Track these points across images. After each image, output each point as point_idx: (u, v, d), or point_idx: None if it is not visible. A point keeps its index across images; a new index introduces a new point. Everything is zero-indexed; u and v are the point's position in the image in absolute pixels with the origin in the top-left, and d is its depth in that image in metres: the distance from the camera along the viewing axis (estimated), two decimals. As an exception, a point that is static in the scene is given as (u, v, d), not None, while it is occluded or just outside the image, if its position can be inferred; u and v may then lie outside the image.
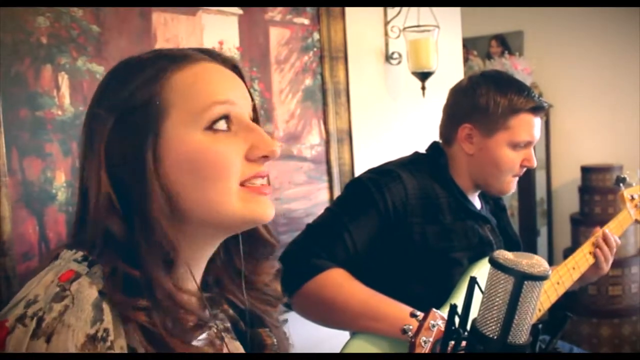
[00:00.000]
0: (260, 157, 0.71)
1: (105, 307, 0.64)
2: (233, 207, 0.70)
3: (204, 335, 0.77)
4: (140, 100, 0.69)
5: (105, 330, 0.63)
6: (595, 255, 1.56)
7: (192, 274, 0.73)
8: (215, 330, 0.79)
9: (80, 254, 0.68)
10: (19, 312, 0.62)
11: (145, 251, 0.67)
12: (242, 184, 0.71)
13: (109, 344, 0.62)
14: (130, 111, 0.69)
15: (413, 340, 1.15)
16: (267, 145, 0.71)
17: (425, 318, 1.16)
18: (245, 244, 0.82)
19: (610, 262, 1.58)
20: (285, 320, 0.91)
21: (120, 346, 0.64)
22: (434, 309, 1.18)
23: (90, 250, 0.68)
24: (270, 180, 0.79)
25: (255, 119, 0.77)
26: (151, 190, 0.67)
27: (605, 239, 1.56)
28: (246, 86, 0.76)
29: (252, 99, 0.77)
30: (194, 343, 0.74)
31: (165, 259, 0.68)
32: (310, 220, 1.47)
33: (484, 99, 1.42)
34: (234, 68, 0.76)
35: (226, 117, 0.70)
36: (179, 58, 0.72)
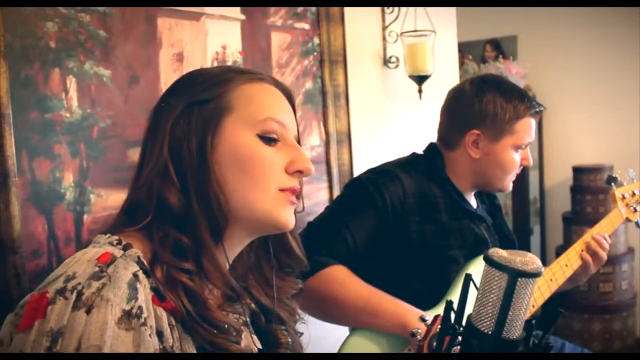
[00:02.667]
0: (296, 170, 0.79)
1: (140, 287, 0.66)
2: (266, 207, 0.77)
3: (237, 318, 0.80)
4: (208, 95, 0.76)
5: (139, 308, 0.65)
6: (583, 259, 1.56)
7: (226, 256, 0.78)
8: (236, 321, 0.80)
9: (114, 237, 0.71)
10: (59, 285, 0.64)
11: (202, 220, 0.73)
12: (280, 190, 0.78)
13: (142, 320, 0.65)
14: (198, 102, 0.76)
15: (421, 343, 1.15)
16: (304, 161, 0.80)
17: (433, 323, 1.16)
18: (277, 256, 0.88)
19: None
20: (302, 333, 0.93)
21: (150, 325, 0.66)
22: (442, 315, 1.18)
23: (143, 217, 0.73)
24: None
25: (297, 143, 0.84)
26: (209, 171, 0.74)
27: (600, 244, 1.56)
28: (295, 115, 0.84)
29: (297, 129, 0.84)
30: (230, 317, 0.78)
31: (215, 231, 0.74)
32: (310, 218, 1.47)
33: (491, 106, 1.42)
34: (290, 98, 0.84)
35: (276, 134, 0.78)
36: (249, 73, 0.81)
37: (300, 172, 0.80)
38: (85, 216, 1.34)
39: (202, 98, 0.76)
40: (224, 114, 0.76)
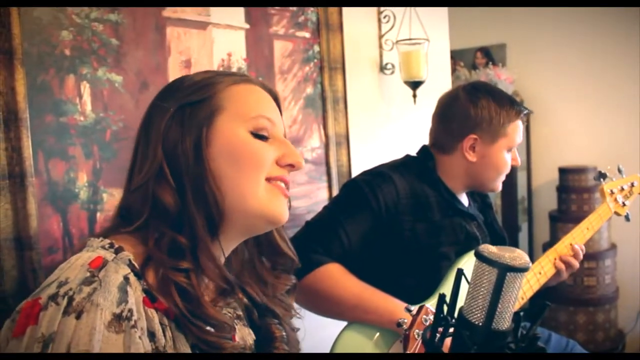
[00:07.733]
0: (288, 164, 0.78)
1: (130, 290, 0.65)
2: (259, 199, 0.75)
3: (231, 313, 0.80)
4: (198, 97, 0.75)
5: (130, 310, 0.64)
6: (557, 267, 1.54)
7: (222, 250, 0.77)
8: (229, 315, 0.79)
9: (107, 241, 0.70)
10: (52, 291, 0.63)
11: (198, 217, 0.71)
12: (268, 180, 0.76)
13: (133, 322, 0.63)
14: (190, 104, 0.75)
15: (407, 333, 1.14)
16: (295, 155, 0.78)
17: (418, 313, 1.15)
18: (268, 255, 0.86)
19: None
20: (298, 329, 0.91)
21: (141, 327, 0.64)
22: (427, 305, 1.18)
23: (138, 219, 0.72)
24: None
25: None
26: (205, 168, 0.72)
27: (575, 255, 1.55)
28: (281, 116, 0.83)
29: (284, 129, 0.83)
30: (224, 312, 0.77)
31: (211, 227, 0.73)
32: (310, 217, 1.47)
33: (487, 112, 1.43)
34: (276, 99, 0.84)
35: (267, 130, 0.77)
36: (237, 76, 0.80)
37: (291, 166, 0.78)
38: (98, 214, 1.34)
39: (193, 100, 0.75)
40: (216, 113, 0.75)
